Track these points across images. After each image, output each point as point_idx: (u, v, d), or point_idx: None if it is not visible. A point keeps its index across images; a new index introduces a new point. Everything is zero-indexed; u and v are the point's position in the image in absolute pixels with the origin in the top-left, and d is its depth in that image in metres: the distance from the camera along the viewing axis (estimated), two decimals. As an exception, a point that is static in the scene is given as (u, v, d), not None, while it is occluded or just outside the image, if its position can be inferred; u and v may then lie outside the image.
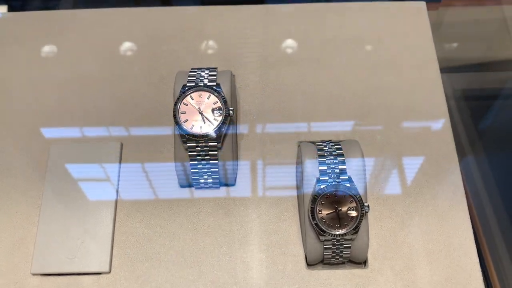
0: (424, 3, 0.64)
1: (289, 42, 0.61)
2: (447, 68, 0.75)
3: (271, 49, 0.60)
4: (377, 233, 0.49)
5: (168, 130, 0.54)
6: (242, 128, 0.55)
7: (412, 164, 0.53)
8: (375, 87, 0.57)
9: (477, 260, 0.48)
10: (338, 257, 0.47)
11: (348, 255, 0.47)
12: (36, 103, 0.56)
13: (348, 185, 0.45)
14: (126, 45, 0.60)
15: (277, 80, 0.58)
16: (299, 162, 0.50)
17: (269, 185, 0.52)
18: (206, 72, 0.50)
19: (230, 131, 0.49)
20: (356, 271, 0.48)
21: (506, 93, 0.75)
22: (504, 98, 0.74)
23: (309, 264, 0.49)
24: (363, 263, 0.49)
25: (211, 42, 0.59)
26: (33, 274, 0.48)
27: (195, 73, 0.50)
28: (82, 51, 0.60)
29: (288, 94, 0.57)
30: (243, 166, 0.53)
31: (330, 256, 0.48)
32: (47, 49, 0.60)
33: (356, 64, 0.59)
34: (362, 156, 0.48)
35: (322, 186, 0.45)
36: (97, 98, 0.56)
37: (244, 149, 0.53)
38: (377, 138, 0.54)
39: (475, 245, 0.49)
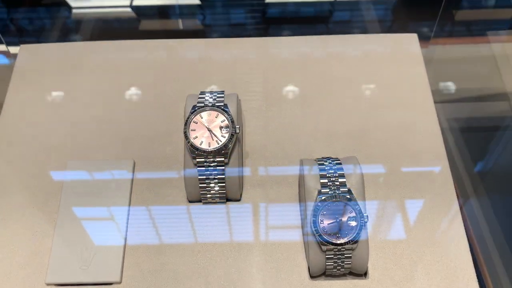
0: (415, 35, 0.68)
1: (291, 70, 0.65)
2: (440, 101, 0.78)
3: (273, 76, 0.64)
4: (377, 245, 0.52)
5: (178, 150, 0.58)
6: (247, 147, 0.58)
7: (408, 181, 0.56)
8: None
9: (473, 270, 0.50)
10: (339, 267, 0.49)
11: (349, 266, 0.49)
12: (55, 124, 0.60)
13: (348, 196, 0.48)
14: (140, 73, 0.65)
15: (279, 102, 0.62)
16: (301, 178, 0.53)
17: (273, 200, 0.55)
18: (214, 94, 0.54)
19: (236, 148, 0.53)
20: (357, 281, 0.50)
21: (499, 126, 0.79)
22: (498, 131, 0.77)
23: (312, 276, 0.51)
24: (363, 275, 0.51)
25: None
26: (48, 284, 0.50)
27: (204, 96, 0.54)
28: (101, 78, 0.64)
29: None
30: (248, 181, 0.56)
31: (332, 267, 0.50)
32: (66, 75, 0.65)
33: (352, 98, 0.63)
34: (361, 171, 0.51)
35: (323, 198, 0.48)
36: (113, 120, 0.61)
37: (249, 166, 0.57)
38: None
39: (470, 256, 0.51)
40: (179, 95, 0.62)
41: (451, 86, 0.79)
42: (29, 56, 0.67)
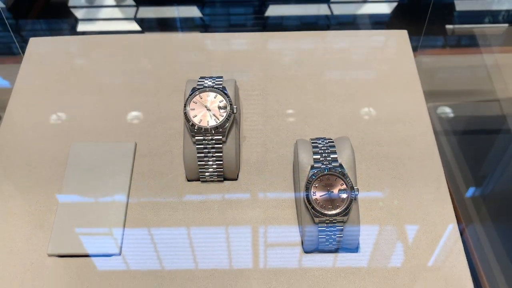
0: (405, 31, 0.72)
1: (287, 63, 0.68)
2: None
3: (270, 68, 0.67)
4: (368, 221, 0.54)
5: (177, 133, 0.60)
6: (244, 132, 0.61)
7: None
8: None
9: (461, 243, 0.52)
10: (331, 240, 0.51)
11: (340, 239, 0.51)
12: (60, 109, 0.63)
13: (339, 170, 0.50)
14: (142, 64, 0.68)
15: (276, 91, 0.65)
16: (295, 157, 0.55)
17: (269, 180, 0.57)
18: (213, 78, 0.57)
19: (233, 129, 0.55)
20: (349, 255, 0.52)
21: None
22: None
23: (306, 251, 0.53)
24: (355, 250, 0.53)
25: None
26: (49, 255, 0.52)
27: (204, 80, 0.57)
28: (106, 68, 0.68)
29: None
30: (245, 163, 0.58)
31: (324, 240, 0.51)
32: (76, 65, 0.68)
33: (346, 88, 0.66)
34: (352, 149, 0.53)
35: (315, 171, 0.50)
36: (117, 106, 0.63)
37: (245, 147, 0.59)
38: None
39: (458, 231, 0.53)
40: (179, 83, 0.65)
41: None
42: (38, 47, 0.70)
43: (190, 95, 0.55)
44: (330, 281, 0.50)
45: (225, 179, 0.57)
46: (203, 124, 0.53)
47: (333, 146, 0.52)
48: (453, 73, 0.95)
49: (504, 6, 1.00)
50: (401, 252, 0.52)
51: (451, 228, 0.54)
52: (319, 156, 0.52)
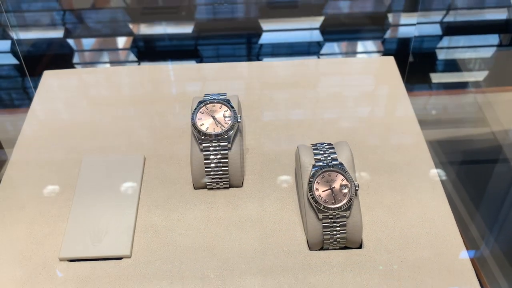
0: (392, 57, 0.78)
1: (283, 85, 0.73)
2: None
3: (268, 90, 0.72)
4: (369, 219, 0.56)
5: (184, 147, 0.64)
6: (247, 144, 0.64)
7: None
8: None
9: (459, 236, 0.54)
10: (336, 237, 0.53)
11: (344, 235, 0.53)
12: (75, 126, 0.67)
13: (340, 166, 0.53)
14: (148, 89, 0.73)
15: (274, 109, 0.69)
16: (297, 161, 0.58)
17: (273, 186, 0.59)
18: (218, 94, 0.61)
19: (238, 137, 0.58)
20: (354, 251, 0.53)
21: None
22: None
23: (311, 249, 0.54)
24: (359, 247, 0.54)
25: None
26: (61, 260, 0.53)
27: (209, 95, 0.61)
28: (115, 93, 0.72)
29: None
30: (249, 171, 0.61)
31: (328, 237, 0.53)
32: (87, 92, 0.73)
33: (340, 106, 0.70)
34: (350, 151, 0.56)
35: (317, 168, 0.53)
36: (126, 125, 0.67)
37: (248, 158, 0.62)
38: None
39: (457, 228, 0.55)
40: (184, 104, 0.69)
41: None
42: (51, 78, 0.75)
43: (197, 106, 0.59)
44: (336, 275, 0.51)
45: (231, 186, 0.59)
46: (210, 131, 0.57)
47: (333, 148, 0.56)
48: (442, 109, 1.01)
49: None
50: (404, 247, 0.54)
51: (450, 224, 0.56)
52: (319, 157, 0.55)
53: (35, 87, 0.83)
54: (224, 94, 0.61)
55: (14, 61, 1.05)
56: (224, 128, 0.57)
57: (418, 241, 0.54)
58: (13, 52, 1.06)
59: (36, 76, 1.05)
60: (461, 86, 1.09)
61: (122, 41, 1.08)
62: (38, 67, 1.04)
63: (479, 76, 1.07)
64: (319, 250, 0.54)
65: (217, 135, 0.57)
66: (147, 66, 0.77)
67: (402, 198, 0.58)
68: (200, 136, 0.57)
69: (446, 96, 1.08)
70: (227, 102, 0.59)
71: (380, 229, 0.55)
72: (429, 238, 0.54)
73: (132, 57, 1.09)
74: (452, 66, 1.13)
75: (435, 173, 0.60)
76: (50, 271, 0.52)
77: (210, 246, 0.54)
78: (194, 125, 0.57)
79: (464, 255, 0.53)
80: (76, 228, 0.55)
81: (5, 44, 1.06)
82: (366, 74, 0.74)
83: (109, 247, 0.53)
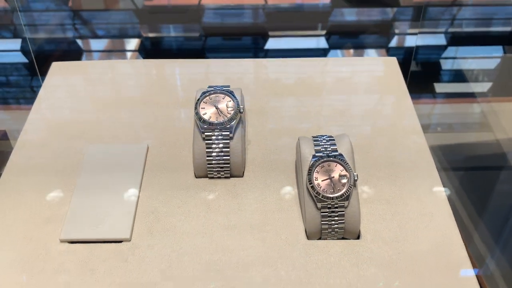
0: (395, 58, 0.79)
1: (287, 82, 0.74)
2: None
3: (271, 86, 0.73)
4: (368, 211, 0.56)
5: (186, 138, 0.65)
6: (249, 136, 0.65)
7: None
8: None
9: (457, 230, 0.54)
10: (334, 226, 0.53)
11: (342, 225, 0.53)
12: (81, 116, 0.68)
13: (339, 157, 0.54)
14: (152, 82, 0.74)
15: (277, 105, 0.70)
16: (298, 152, 0.58)
17: (273, 177, 0.60)
18: (221, 86, 0.62)
19: (240, 128, 0.59)
20: (351, 241, 0.54)
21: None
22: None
23: (309, 239, 0.54)
24: (357, 238, 0.55)
25: None
26: (61, 241, 0.53)
27: (213, 87, 0.62)
28: (120, 85, 0.74)
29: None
30: (250, 163, 0.62)
31: (327, 226, 0.54)
32: (93, 82, 0.74)
33: (342, 103, 0.71)
34: (350, 143, 0.57)
35: (317, 158, 0.54)
36: (129, 115, 0.69)
37: (250, 150, 0.63)
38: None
39: (455, 223, 0.55)
40: (187, 96, 0.71)
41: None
42: (59, 69, 0.77)
43: (201, 96, 0.60)
44: (333, 264, 0.52)
45: (231, 176, 0.60)
46: (212, 120, 0.58)
47: (333, 140, 0.56)
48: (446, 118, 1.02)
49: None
50: (402, 239, 0.54)
51: (448, 217, 0.56)
52: (320, 147, 0.55)
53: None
54: (228, 86, 0.62)
55: (23, 59, 1.08)
56: (226, 118, 0.58)
57: (416, 234, 0.54)
58: (23, 50, 1.08)
59: (43, 75, 1.08)
60: (465, 95, 1.10)
61: (130, 43, 1.10)
62: (44, 67, 1.06)
63: (482, 87, 1.08)
64: (317, 240, 0.55)
65: (219, 124, 0.58)
66: (152, 60, 0.78)
67: (401, 192, 0.59)
68: (203, 125, 0.58)
69: (448, 104, 1.09)
70: (230, 93, 0.60)
71: (378, 221, 0.56)
72: (427, 232, 0.55)
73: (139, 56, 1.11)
74: (456, 76, 1.14)
75: (433, 167, 0.61)
76: (51, 253, 0.53)
77: (209, 232, 0.55)
78: (197, 114, 0.58)
79: (461, 249, 0.53)
80: (78, 211, 0.55)
81: (16, 43, 1.08)
82: (369, 73, 0.75)
83: (109, 230, 0.54)
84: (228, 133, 0.58)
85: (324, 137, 0.57)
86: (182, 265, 0.52)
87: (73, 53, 1.10)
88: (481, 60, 1.14)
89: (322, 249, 0.53)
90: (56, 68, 0.77)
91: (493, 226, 0.75)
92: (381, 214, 0.57)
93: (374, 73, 0.76)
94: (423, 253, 0.53)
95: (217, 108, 0.59)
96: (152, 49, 1.09)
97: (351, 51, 1.14)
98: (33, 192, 0.59)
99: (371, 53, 1.14)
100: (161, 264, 0.52)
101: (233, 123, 0.58)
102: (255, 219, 0.56)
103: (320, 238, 0.55)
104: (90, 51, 1.13)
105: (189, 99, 0.70)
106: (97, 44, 1.10)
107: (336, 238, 0.55)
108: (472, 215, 0.76)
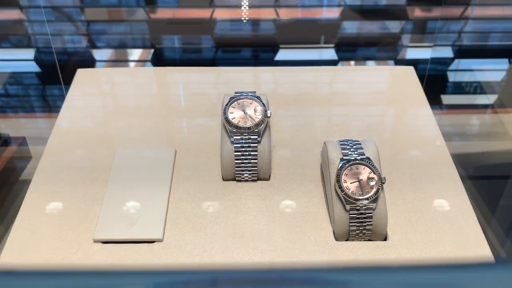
0: (412, 67, 0.81)
1: (307, 88, 0.76)
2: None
3: (293, 93, 0.75)
4: (393, 213, 0.58)
5: (213, 142, 0.66)
6: (274, 141, 0.67)
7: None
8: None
9: (482, 234, 0.56)
10: (362, 228, 0.55)
11: (370, 227, 0.55)
12: (106, 121, 0.70)
13: (367, 160, 0.55)
14: (177, 90, 0.76)
15: (299, 111, 0.72)
16: (324, 156, 0.60)
17: (299, 180, 0.62)
18: (248, 92, 0.64)
19: (267, 132, 0.61)
20: (379, 243, 0.55)
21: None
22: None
23: (337, 240, 0.56)
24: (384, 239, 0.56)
25: None
26: (95, 241, 0.54)
27: (240, 92, 0.64)
28: (146, 92, 0.76)
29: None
30: (276, 167, 0.63)
31: (355, 228, 0.55)
32: (119, 89, 0.76)
33: (361, 109, 0.73)
34: (376, 148, 0.58)
35: (345, 161, 0.55)
36: (157, 120, 0.70)
37: (275, 154, 0.65)
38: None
39: (479, 226, 0.57)
40: (213, 103, 0.72)
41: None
42: (85, 76, 0.79)
43: (229, 101, 0.61)
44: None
45: (258, 179, 0.61)
46: (241, 124, 0.59)
47: (359, 144, 0.58)
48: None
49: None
50: (427, 241, 0.55)
51: (472, 221, 0.57)
52: (347, 151, 0.57)
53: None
54: (254, 92, 0.64)
55: (36, 69, 1.09)
56: (254, 122, 0.60)
57: (441, 236, 0.56)
58: (36, 60, 1.10)
59: (52, 84, 1.10)
60: (471, 107, 1.12)
61: (142, 53, 1.13)
62: (56, 76, 1.08)
63: (489, 98, 1.11)
64: (345, 241, 0.56)
65: (248, 128, 0.59)
66: (176, 68, 0.80)
67: (425, 196, 0.60)
68: (231, 129, 0.59)
69: (454, 115, 1.11)
70: (258, 99, 0.62)
71: (403, 223, 0.57)
72: (451, 234, 0.56)
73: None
74: (462, 87, 1.16)
75: (455, 172, 0.63)
76: (84, 253, 0.54)
77: (239, 233, 0.56)
78: (226, 119, 0.60)
79: (486, 250, 0.54)
80: (110, 211, 0.57)
81: (29, 53, 1.10)
82: (387, 82, 0.77)
83: (142, 230, 0.55)
84: (256, 137, 0.60)
85: (350, 141, 0.58)
86: (214, 266, 0.53)
87: (87, 62, 1.12)
88: (487, 72, 1.17)
89: (350, 250, 0.54)
90: (81, 75, 0.79)
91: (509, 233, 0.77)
92: (406, 217, 0.58)
93: (393, 82, 0.78)
94: (449, 255, 0.54)
95: (245, 112, 0.61)
96: (163, 60, 1.11)
97: (359, 62, 1.16)
98: (64, 192, 0.60)
99: (381, 65, 1.16)
100: (193, 263, 0.53)
101: (261, 127, 0.60)
102: (283, 221, 0.57)
103: (347, 240, 0.56)
104: (102, 60, 1.15)
105: (211, 105, 0.72)
106: (107, 55, 1.13)
107: (363, 239, 0.56)
108: (485, 222, 0.78)
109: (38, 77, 1.08)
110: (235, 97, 0.62)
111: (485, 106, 1.08)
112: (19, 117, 1.02)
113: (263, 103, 0.61)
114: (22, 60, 1.11)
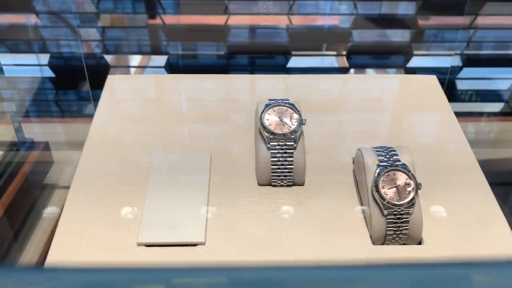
0: (434, 76, 0.83)
1: (333, 96, 0.78)
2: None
3: (321, 100, 0.77)
4: (424, 218, 0.59)
5: (247, 147, 0.68)
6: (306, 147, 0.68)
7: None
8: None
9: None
10: (398, 232, 0.56)
11: (407, 231, 0.56)
12: (139, 127, 0.71)
13: (403, 166, 0.57)
14: (209, 96, 0.78)
15: (329, 118, 0.74)
16: (359, 163, 0.61)
17: (333, 185, 0.63)
18: (282, 99, 0.65)
19: (302, 138, 0.62)
20: (415, 246, 0.57)
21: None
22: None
23: (374, 244, 0.57)
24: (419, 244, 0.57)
25: None
26: (138, 244, 0.55)
27: (274, 100, 0.65)
28: (178, 97, 0.77)
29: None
30: (309, 172, 0.64)
31: (391, 232, 0.56)
32: (151, 95, 0.78)
33: (386, 115, 0.75)
34: (410, 155, 0.60)
35: (382, 167, 0.57)
36: (192, 127, 0.72)
37: (308, 160, 0.66)
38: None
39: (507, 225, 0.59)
40: (244, 109, 0.74)
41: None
42: (114, 82, 0.80)
43: (265, 108, 0.63)
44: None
45: (293, 184, 0.63)
46: (277, 131, 0.61)
47: (394, 150, 0.60)
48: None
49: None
50: (460, 245, 0.57)
51: (501, 225, 0.59)
52: (383, 157, 0.59)
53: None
54: (287, 100, 0.66)
55: (51, 74, 1.10)
56: (291, 129, 0.61)
57: (472, 240, 0.58)
58: (50, 65, 1.11)
59: (63, 89, 1.11)
60: (479, 114, 1.15)
61: (156, 60, 1.14)
62: (70, 82, 1.09)
63: (497, 106, 1.13)
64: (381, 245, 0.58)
65: (284, 134, 0.61)
66: (205, 75, 0.82)
67: (455, 201, 0.62)
68: (268, 135, 0.61)
69: (464, 123, 1.14)
70: (293, 106, 0.63)
71: (435, 227, 0.59)
72: (482, 238, 0.58)
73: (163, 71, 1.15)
74: (471, 95, 1.19)
75: (485, 180, 0.65)
76: (129, 255, 0.55)
77: (277, 237, 0.57)
78: (263, 125, 0.62)
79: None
80: (152, 215, 0.58)
81: (44, 58, 1.11)
82: (411, 91, 0.80)
83: (184, 234, 0.56)
84: (292, 143, 0.61)
85: (385, 148, 0.60)
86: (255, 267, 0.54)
87: (101, 68, 1.13)
88: (495, 81, 1.20)
89: (388, 253, 0.56)
90: (112, 81, 0.80)
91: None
92: (438, 221, 0.60)
93: (416, 90, 0.80)
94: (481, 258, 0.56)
95: (281, 119, 0.62)
96: (177, 66, 1.12)
97: (370, 70, 1.19)
98: (105, 197, 0.61)
99: (391, 72, 1.18)
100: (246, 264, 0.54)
101: (297, 134, 0.61)
102: (319, 225, 0.59)
103: (383, 244, 0.58)
104: (117, 66, 1.16)
105: (245, 110, 0.74)
106: (122, 61, 1.14)
107: (398, 243, 0.57)
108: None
109: (61, 82, 1.10)
110: (270, 104, 0.64)
111: (491, 114, 1.10)
112: (43, 122, 1.03)
113: (298, 111, 0.63)
114: (40, 65, 1.13)
